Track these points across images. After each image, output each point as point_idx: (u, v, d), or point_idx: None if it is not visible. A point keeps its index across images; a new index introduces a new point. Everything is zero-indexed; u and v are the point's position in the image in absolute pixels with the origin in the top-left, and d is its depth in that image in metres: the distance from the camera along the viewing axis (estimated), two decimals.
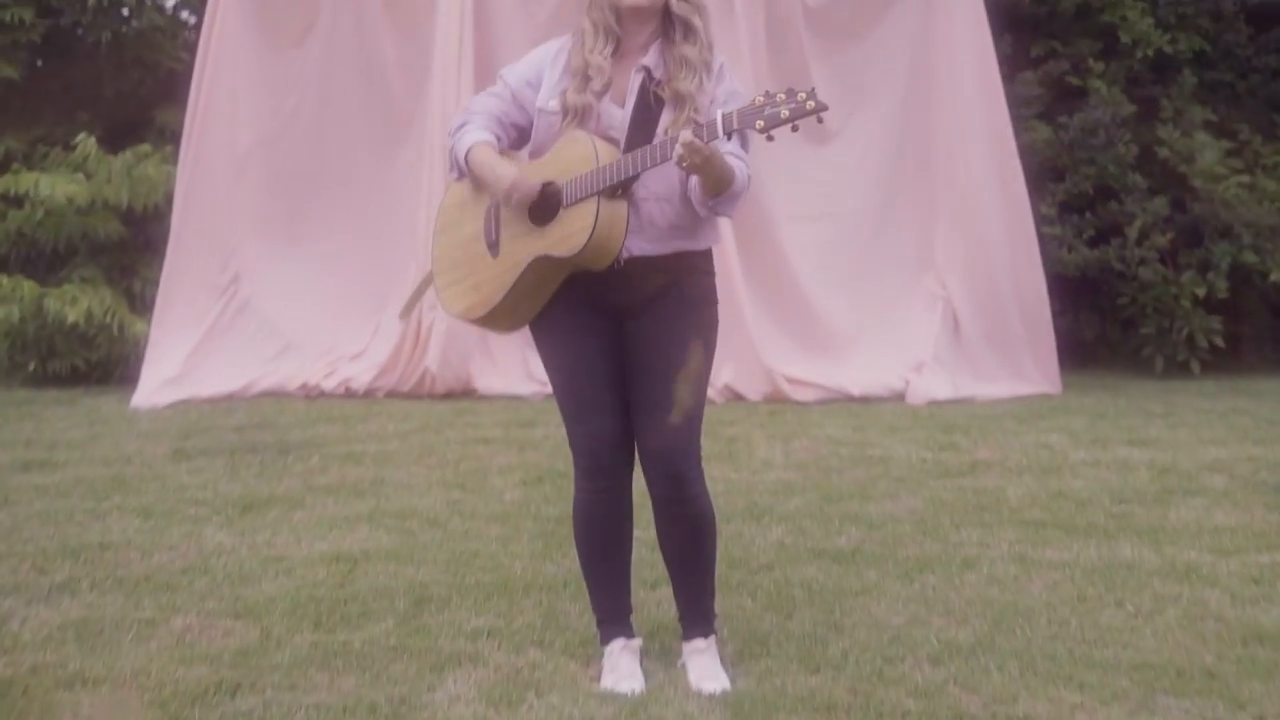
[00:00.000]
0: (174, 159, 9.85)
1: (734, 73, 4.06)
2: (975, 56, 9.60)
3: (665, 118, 3.86)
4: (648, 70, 3.93)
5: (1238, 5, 11.91)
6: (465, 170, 4.00)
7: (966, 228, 9.56)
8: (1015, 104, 10.10)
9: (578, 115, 3.89)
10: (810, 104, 3.55)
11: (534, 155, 4.01)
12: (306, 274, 9.43)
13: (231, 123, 9.33)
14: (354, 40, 9.43)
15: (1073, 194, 10.99)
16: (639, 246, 3.83)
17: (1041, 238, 9.88)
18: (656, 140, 3.76)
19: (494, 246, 3.97)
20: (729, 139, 3.64)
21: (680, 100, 3.86)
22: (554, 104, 3.95)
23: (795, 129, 3.56)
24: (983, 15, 9.59)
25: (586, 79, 3.90)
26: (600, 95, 3.92)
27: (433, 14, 9.26)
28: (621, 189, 3.79)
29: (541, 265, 3.84)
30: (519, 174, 3.89)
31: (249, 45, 9.35)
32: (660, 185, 3.86)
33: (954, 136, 9.55)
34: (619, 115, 3.92)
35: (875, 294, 9.45)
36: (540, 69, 4.05)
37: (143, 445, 7.17)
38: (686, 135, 3.55)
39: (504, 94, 4.07)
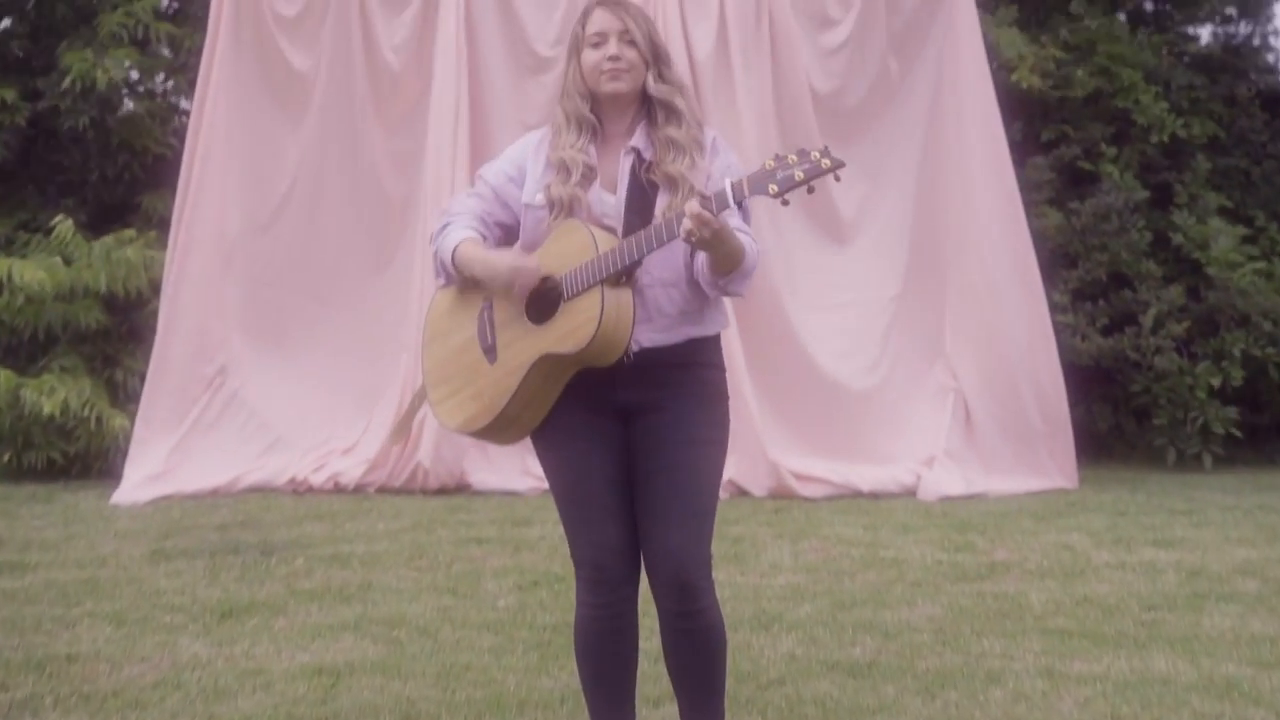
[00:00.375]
0: (158, 244, 9.69)
1: (729, 146, 3.91)
2: (986, 141, 9.46)
3: (661, 201, 3.70)
4: (637, 152, 3.78)
5: (1252, 90, 11.83)
6: (453, 273, 3.79)
7: (979, 315, 9.37)
8: (1026, 189, 9.97)
9: (565, 208, 3.72)
10: (826, 162, 3.37)
11: (528, 251, 3.82)
12: (297, 366, 9.22)
13: (220, 209, 9.16)
14: (346, 129, 9.29)
15: (1085, 281, 10.83)
16: (648, 337, 3.64)
17: (1054, 326, 9.67)
18: (659, 219, 3.59)
19: (491, 352, 3.77)
20: (739, 208, 3.48)
21: (673, 182, 3.70)
22: (540, 199, 3.78)
23: (811, 190, 3.40)
24: (993, 100, 9.48)
25: (567, 172, 3.74)
26: (586, 185, 3.76)
27: (425, 104, 9.14)
28: (625, 276, 3.60)
29: (546, 366, 3.64)
30: (518, 259, 3.70)
31: (240, 131, 9.20)
32: (665, 269, 3.68)
33: (966, 222, 9.39)
34: (612, 202, 3.75)
35: (884, 385, 9.24)
36: (521, 163, 3.89)
37: (120, 545, 6.91)
38: (694, 207, 3.38)
39: (485, 193, 3.91)
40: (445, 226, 3.86)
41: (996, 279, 9.38)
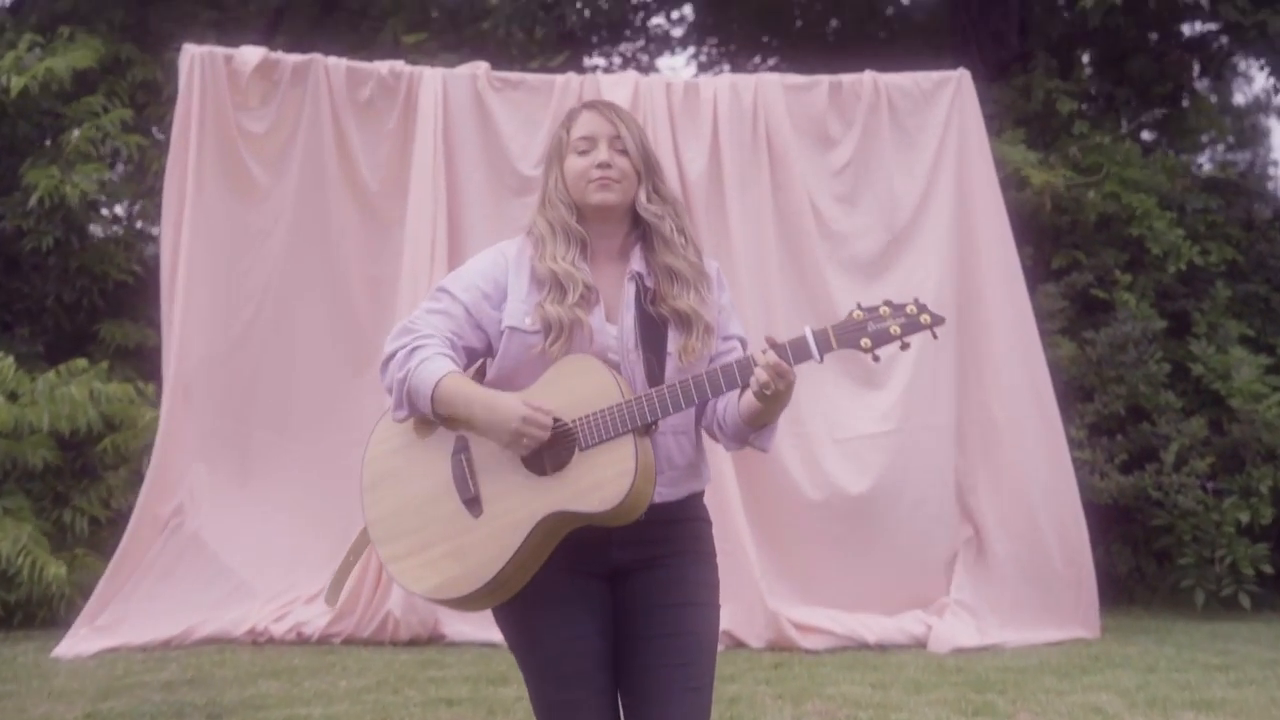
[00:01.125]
0: (115, 374, 9.36)
1: (728, 282, 3.62)
2: (1001, 268, 9.11)
3: (674, 339, 3.39)
4: (640, 278, 3.43)
5: (1271, 213, 11.47)
6: (425, 408, 3.34)
7: (996, 451, 8.94)
8: (1038, 318, 9.51)
9: (564, 333, 3.35)
10: (925, 317, 3.19)
11: (504, 384, 3.41)
12: (261, 504, 8.71)
13: (181, 336, 8.68)
14: (317, 251, 8.89)
15: (1103, 415, 10.39)
16: (657, 491, 3.28)
17: (1072, 463, 9.19)
18: (718, 362, 3.35)
19: (475, 504, 3.31)
20: (821, 361, 3.23)
21: (685, 320, 3.40)
22: (529, 321, 3.39)
23: (906, 346, 3.20)
24: (1006, 224, 9.16)
25: (562, 289, 3.36)
26: (586, 307, 3.38)
27: (402, 227, 8.76)
28: (653, 425, 3.27)
29: (553, 523, 3.22)
30: (528, 403, 3.27)
31: (203, 254, 8.76)
32: (678, 416, 3.35)
33: (982, 352, 8.98)
34: (614, 333, 3.40)
35: (895, 527, 8.72)
36: (498, 278, 3.48)
37: (53, 708, 6.38)
38: (772, 358, 3.14)
39: (455, 311, 3.48)
40: (413, 350, 3.42)
41: (1015, 413, 8.95)
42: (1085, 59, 13.51)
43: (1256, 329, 11.04)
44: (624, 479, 3.16)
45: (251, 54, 8.78)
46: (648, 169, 3.49)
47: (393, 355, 3.43)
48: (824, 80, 9.17)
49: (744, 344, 3.59)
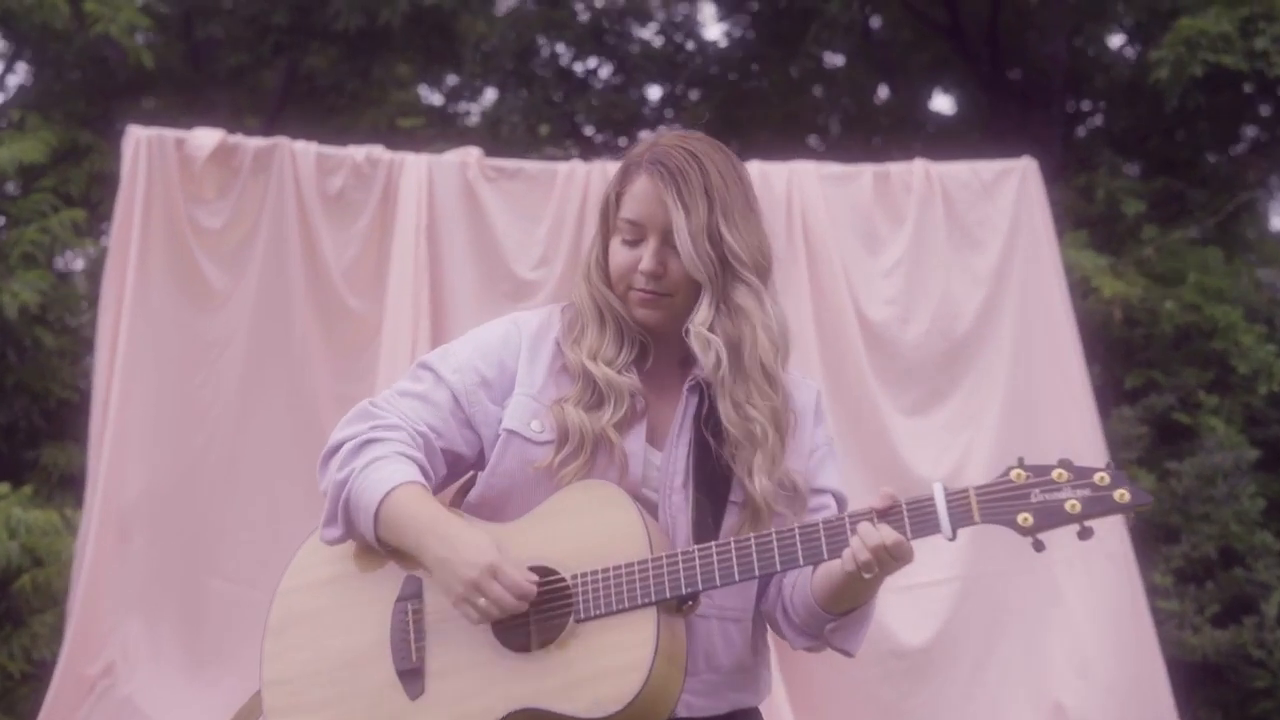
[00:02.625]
0: (40, 501, 8.66)
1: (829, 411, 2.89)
2: (1071, 388, 8.18)
3: (738, 487, 2.64)
4: (702, 390, 2.65)
5: None
6: (364, 530, 2.59)
7: (1071, 604, 7.98)
8: (1112, 447, 8.65)
9: (584, 449, 2.56)
10: (1122, 494, 2.32)
11: (491, 511, 2.65)
12: (209, 669, 7.62)
13: (118, 468, 7.63)
14: (281, 368, 7.89)
15: (1191, 559, 9.44)
16: (683, 700, 2.43)
17: (1155, 614, 8.22)
18: (799, 525, 2.52)
19: (414, 679, 2.49)
20: (952, 538, 2.46)
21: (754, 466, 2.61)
22: (537, 425, 2.63)
23: (1087, 534, 2.31)
24: (1076, 340, 8.24)
25: (599, 398, 2.59)
26: (625, 427, 2.58)
27: (377, 339, 7.81)
28: (691, 600, 2.47)
29: None
30: (499, 553, 2.53)
31: (146, 371, 7.74)
32: (731, 595, 2.59)
33: None
34: (657, 464, 2.59)
35: (966, 693, 7.79)
36: (506, 360, 2.75)
37: None
38: (890, 534, 2.36)
39: (437, 397, 2.73)
40: (365, 444, 2.65)
41: (1091, 560, 7.91)
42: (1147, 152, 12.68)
43: None
44: (634, 673, 2.31)
45: (207, 137, 7.85)
46: (718, 269, 2.63)
47: (337, 447, 2.70)
48: (867, 170, 8.27)
49: (840, 501, 2.78)
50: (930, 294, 8.15)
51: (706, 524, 2.55)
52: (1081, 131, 13.64)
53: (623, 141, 12.42)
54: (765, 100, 14.17)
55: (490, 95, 12.84)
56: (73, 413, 9.64)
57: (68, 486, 9.44)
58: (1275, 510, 9.75)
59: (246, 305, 7.88)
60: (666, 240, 2.67)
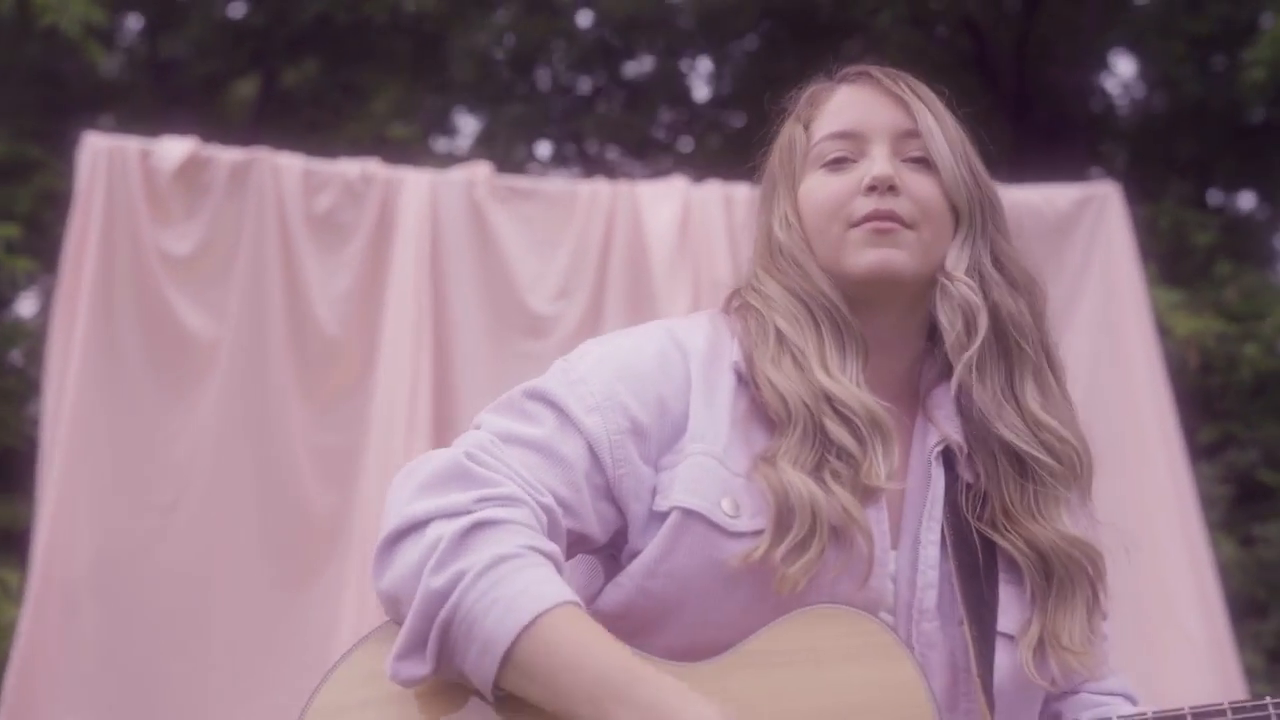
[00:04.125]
0: None
1: None
2: (1162, 443, 7.43)
3: (1014, 596, 1.93)
4: (957, 453, 1.96)
5: None
6: (493, 671, 1.70)
7: (1163, 686, 7.07)
8: None
9: (815, 542, 1.80)
10: None
11: (629, 623, 1.88)
12: None
13: (68, 533, 6.81)
14: (256, 416, 7.10)
15: None
16: None
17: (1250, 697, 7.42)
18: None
19: None
20: None
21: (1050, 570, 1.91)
22: (729, 506, 1.88)
23: None
24: (1168, 396, 7.49)
25: (830, 445, 1.81)
26: (870, 498, 1.86)
27: (370, 382, 7.02)
28: None
29: None
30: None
31: (103, 423, 6.96)
32: None
33: (1141, 557, 7.12)
34: (890, 567, 1.92)
35: None
36: (668, 395, 1.96)
37: None
38: None
39: (570, 452, 1.94)
40: (474, 529, 1.81)
41: (1189, 631, 7.24)
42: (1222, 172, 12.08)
43: None
44: None
45: (175, 148, 7.07)
46: (980, 198, 1.92)
47: (419, 526, 1.84)
48: None
49: (1130, 697, 2.18)
50: None
51: (962, 669, 1.84)
52: (1118, 163, 13.05)
53: (633, 165, 11.78)
54: None
55: (469, 122, 12.24)
56: (21, 461, 8.92)
57: (11, 546, 8.76)
58: None
59: (222, 343, 7.06)
60: (900, 147, 1.95)
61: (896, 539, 1.92)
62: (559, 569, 1.80)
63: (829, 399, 1.83)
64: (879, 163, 1.91)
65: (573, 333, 6.97)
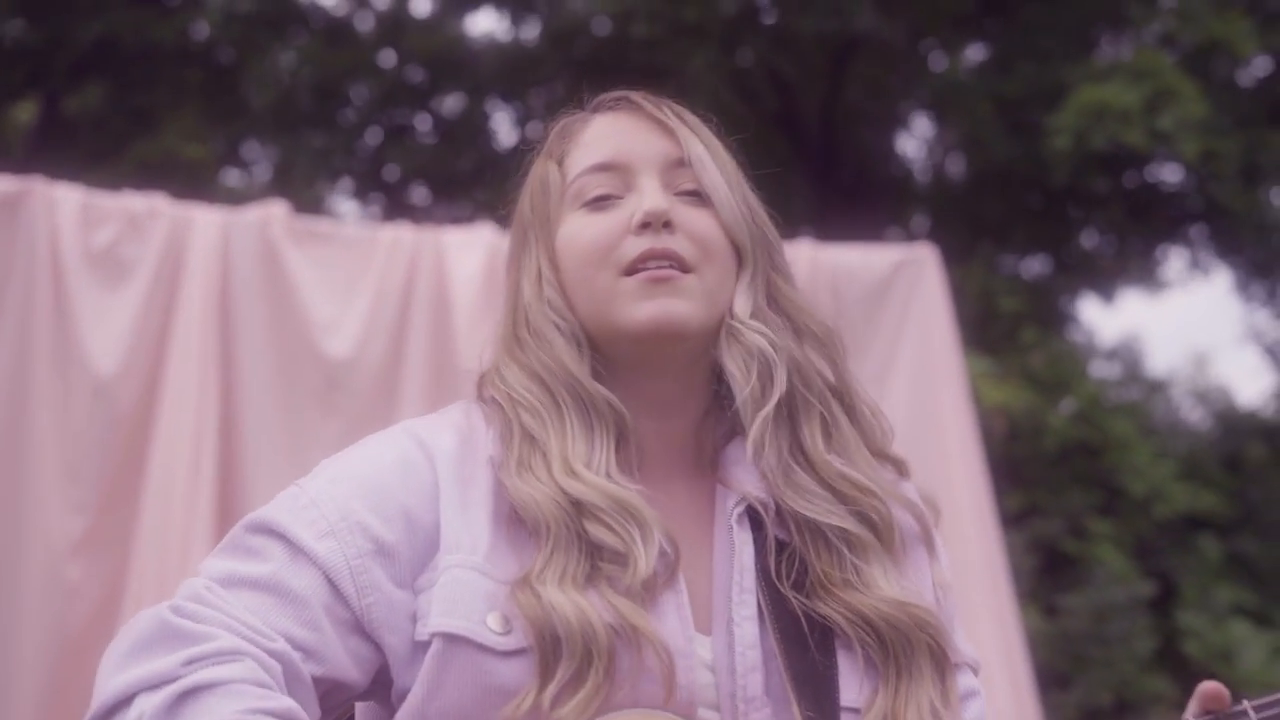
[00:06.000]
0: None
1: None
2: (974, 509, 7.25)
3: (850, 667, 1.65)
4: (761, 510, 1.72)
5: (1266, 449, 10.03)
6: None
7: None
8: None
9: (597, 670, 1.54)
10: None
11: None
12: None
13: None
14: (4, 485, 6.20)
15: (1085, 709, 8.64)
16: None
17: None
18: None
19: None
20: None
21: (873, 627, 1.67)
22: (496, 622, 1.61)
23: None
24: (982, 470, 7.39)
25: (598, 547, 1.61)
26: (654, 601, 1.60)
27: (147, 438, 6.28)
28: None
29: None
30: None
31: None
32: None
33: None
34: (706, 657, 1.64)
35: None
36: (413, 505, 1.68)
37: None
38: None
39: (301, 586, 1.63)
40: (181, 699, 1.51)
41: (997, 704, 6.89)
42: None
43: (1259, 597, 9.47)
44: None
45: None
46: (759, 234, 1.72)
47: (125, 701, 1.55)
48: None
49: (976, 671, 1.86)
50: None
51: None
52: (920, 226, 13.07)
53: (437, 207, 11.29)
54: None
55: (265, 154, 11.68)
56: None
57: None
58: (1166, 651, 9.09)
59: None
60: (670, 180, 1.72)
61: (708, 622, 1.67)
62: None
63: (575, 502, 1.54)
64: (649, 196, 1.71)
65: (371, 384, 6.54)
